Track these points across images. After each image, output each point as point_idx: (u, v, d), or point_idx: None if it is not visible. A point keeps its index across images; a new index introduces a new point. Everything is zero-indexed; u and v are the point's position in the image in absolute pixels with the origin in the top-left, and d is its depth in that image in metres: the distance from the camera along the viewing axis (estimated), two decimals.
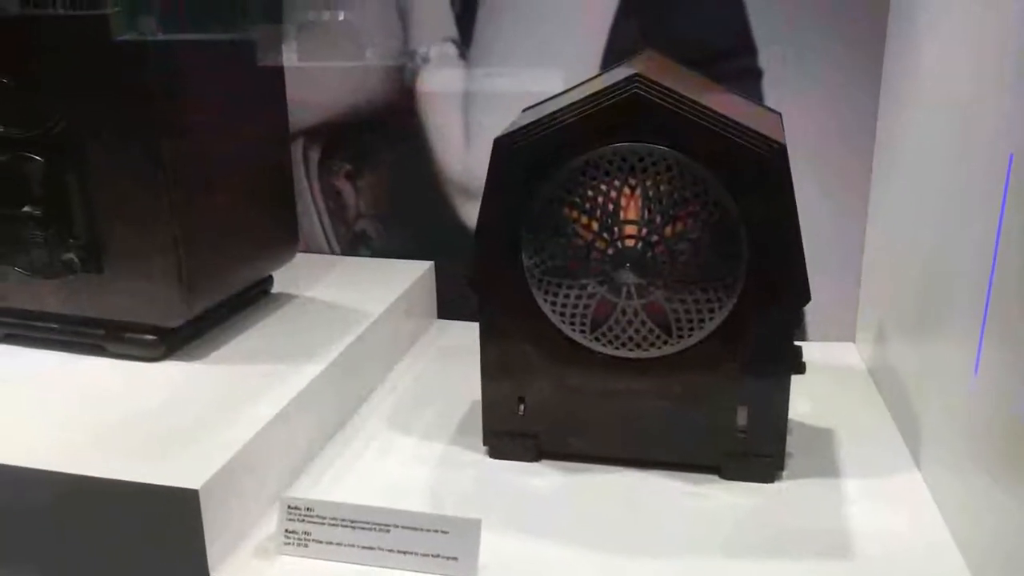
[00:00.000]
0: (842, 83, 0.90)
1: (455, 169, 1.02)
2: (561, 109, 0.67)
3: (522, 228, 0.70)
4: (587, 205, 0.68)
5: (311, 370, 0.78)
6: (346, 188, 1.06)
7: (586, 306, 0.70)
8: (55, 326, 0.82)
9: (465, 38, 0.97)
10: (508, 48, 0.96)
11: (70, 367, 0.80)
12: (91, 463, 0.63)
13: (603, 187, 0.67)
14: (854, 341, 0.98)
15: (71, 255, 0.78)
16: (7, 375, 0.78)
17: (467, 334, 1.01)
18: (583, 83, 0.78)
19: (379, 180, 1.05)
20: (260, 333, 0.86)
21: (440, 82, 0.99)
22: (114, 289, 0.79)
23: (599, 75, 0.78)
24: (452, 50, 0.98)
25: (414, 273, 1.02)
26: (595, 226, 0.68)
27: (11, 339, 0.84)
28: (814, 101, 0.91)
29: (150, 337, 0.80)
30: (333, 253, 1.09)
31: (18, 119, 0.76)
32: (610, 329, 0.70)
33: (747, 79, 0.91)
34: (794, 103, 0.89)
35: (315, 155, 1.05)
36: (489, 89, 0.98)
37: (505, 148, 0.69)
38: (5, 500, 0.64)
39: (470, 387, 0.85)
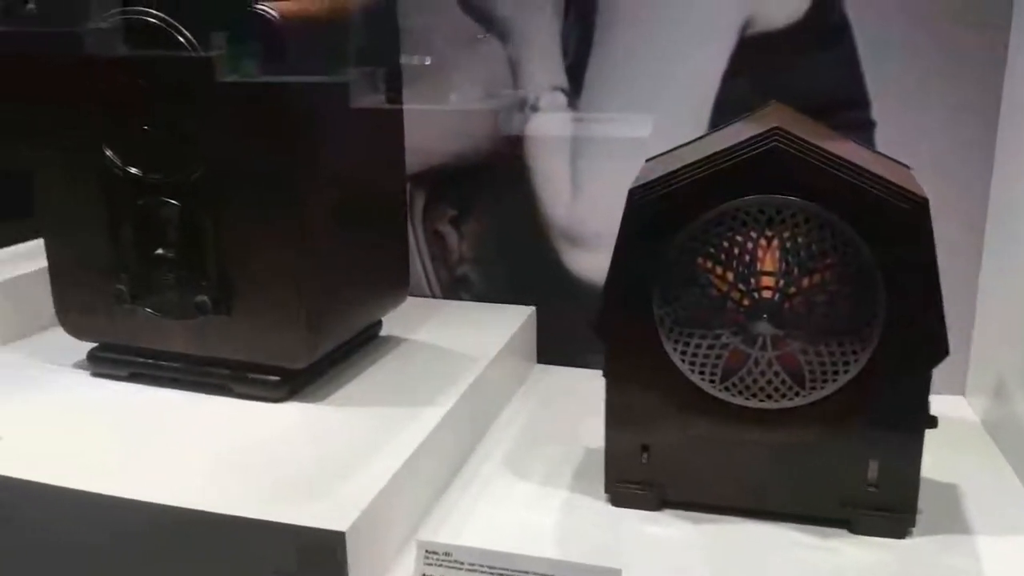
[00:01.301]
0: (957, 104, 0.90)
1: (560, 216, 1.03)
2: (698, 161, 0.68)
3: (654, 278, 0.70)
4: (723, 256, 0.68)
5: (434, 413, 0.78)
6: (449, 233, 1.08)
7: (718, 356, 0.70)
8: (180, 365, 0.84)
9: (575, 87, 0.99)
10: (617, 98, 0.98)
11: (197, 406, 0.81)
12: (233, 502, 0.64)
13: (739, 238, 0.68)
14: (964, 394, 0.97)
15: (203, 297, 0.80)
16: (137, 412, 0.80)
17: (569, 379, 1.03)
18: (711, 133, 0.79)
19: (483, 226, 1.07)
20: (376, 376, 0.88)
21: (548, 130, 1.01)
22: (241, 330, 0.80)
23: (728, 125, 0.79)
24: (561, 99, 0.99)
25: (517, 318, 1.03)
26: (731, 277, 0.68)
27: (136, 377, 0.86)
28: (925, 149, 0.90)
29: (274, 378, 0.81)
30: (434, 296, 1.10)
31: (158, 164, 0.79)
32: (741, 380, 0.70)
33: (860, 131, 0.91)
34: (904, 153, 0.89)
35: (420, 199, 1.07)
36: (598, 137, 0.99)
37: (640, 198, 0.70)
38: (142, 536, 0.65)
39: (582, 432, 0.85)
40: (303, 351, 0.80)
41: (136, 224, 0.81)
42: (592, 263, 1.03)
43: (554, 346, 1.06)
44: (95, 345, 0.88)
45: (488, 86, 1.01)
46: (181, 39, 0.75)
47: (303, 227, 0.77)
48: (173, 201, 0.79)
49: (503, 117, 1.02)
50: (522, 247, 1.05)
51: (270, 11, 0.72)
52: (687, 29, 0.94)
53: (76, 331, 0.87)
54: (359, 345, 0.92)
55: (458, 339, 0.96)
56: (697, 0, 0.94)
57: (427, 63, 1.00)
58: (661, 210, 0.69)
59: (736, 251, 0.68)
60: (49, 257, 0.86)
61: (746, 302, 0.68)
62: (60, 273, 0.86)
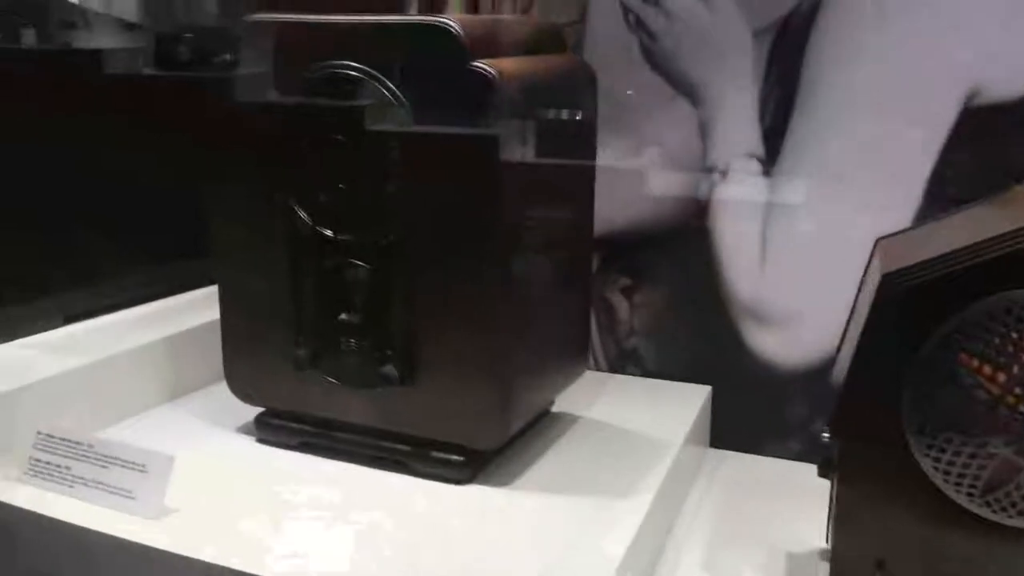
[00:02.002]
0: None
1: (745, 291, 0.96)
2: (970, 246, 0.61)
3: (907, 374, 0.62)
4: (995, 354, 0.60)
5: (635, 510, 0.71)
6: (621, 303, 1.01)
7: (980, 467, 0.62)
8: (356, 438, 0.79)
9: (771, 154, 0.92)
10: (817, 166, 0.91)
11: (372, 482, 0.76)
12: None
13: (1015, 335, 0.60)
14: None
15: (390, 367, 0.75)
16: (306, 485, 0.75)
17: (748, 467, 0.95)
18: (952, 215, 0.71)
19: (658, 297, 1.00)
20: (559, 458, 0.81)
21: (738, 197, 0.94)
22: (426, 404, 0.75)
23: (969, 206, 0.71)
24: (755, 166, 0.93)
25: (695, 398, 0.95)
26: (1003, 378, 0.60)
27: (306, 447, 0.81)
28: None
29: (457, 458, 0.75)
30: (599, 369, 1.04)
31: (351, 224, 0.74)
32: (1007, 495, 0.62)
33: None
34: None
35: (593, 265, 1.01)
36: (793, 208, 0.92)
37: (897, 284, 0.63)
38: None
39: (782, 533, 0.78)
40: (496, 431, 0.74)
41: (321, 287, 0.76)
42: (777, 343, 0.95)
43: (729, 430, 0.98)
44: (262, 409, 0.83)
45: (676, 149, 0.96)
46: (386, 91, 0.71)
47: (504, 294, 0.71)
48: (363, 264, 0.75)
49: (690, 182, 0.95)
50: (700, 321, 0.98)
51: (489, 69, 0.67)
52: (901, 96, 0.87)
53: (245, 395, 0.83)
54: (532, 423, 0.86)
55: (636, 419, 0.89)
56: (913, 67, 0.86)
57: (629, 94, 0.94)
58: (922, 298, 0.62)
59: (1011, 349, 0.60)
60: (223, 315, 0.82)
61: (1022, 408, 0.60)
62: (233, 334, 0.82)
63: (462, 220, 0.71)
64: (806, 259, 0.93)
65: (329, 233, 0.75)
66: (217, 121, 0.78)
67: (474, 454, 0.76)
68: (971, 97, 0.85)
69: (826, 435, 0.68)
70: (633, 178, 0.98)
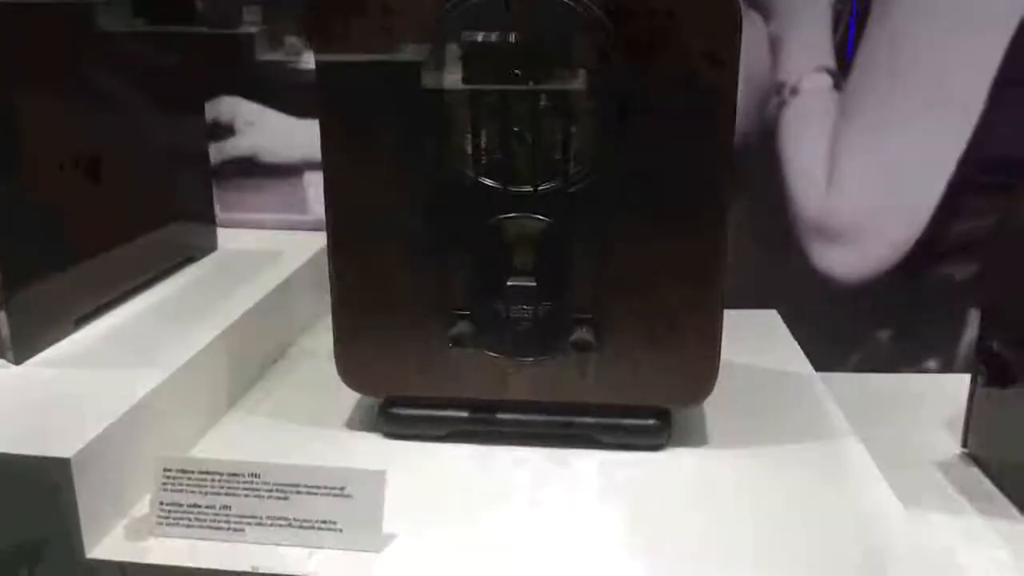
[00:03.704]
0: None
1: (812, 210, 0.94)
2: None
3: None
4: None
5: (849, 443, 0.69)
6: None
7: None
8: (520, 418, 0.69)
9: (843, 68, 0.90)
10: (887, 83, 0.90)
11: (563, 462, 0.67)
12: None
13: None
14: None
15: (583, 332, 0.65)
16: (502, 477, 0.65)
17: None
18: None
19: None
20: (721, 407, 0.75)
21: (807, 116, 0.91)
22: (616, 368, 0.67)
23: None
24: (826, 81, 0.90)
25: (773, 324, 0.93)
26: None
27: (457, 436, 0.70)
28: None
29: (654, 422, 0.68)
30: None
31: (528, 173, 0.63)
32: None
33: None
34: None
35: None
36: (863, 126, 0.91)
37: None
38: None
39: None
40: (703, 387, 0.67)
41: (485, 249, 0.65)
42: (842, 259, 0.95)
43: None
44: (379, 400, 0.71)
45: (745, 66, 0.90)
46: (582, 11, 0.60)
47: (720, 237, 0.64)
48: (542, 218, 0.64)
49: (759, 100, 0.91)
50: (766, 244, 0.96)
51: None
52: (973, 10, 0.87)
53: (368, 384, 0.70)
54: None
55: (744, 353, 0.85)
56: None
57: None
58: None
59: None
60: (339, 294, 0.68)
61: None
62: (353, 314, 0.68)
63: (681, 159, 0.62)
64: (871, 178, 0.92)
65: (496, 185, 0.64)
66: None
67: (664, 417, 0.69)
68: None
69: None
70: None
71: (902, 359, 0.99)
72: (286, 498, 0.57)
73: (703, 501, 0.63)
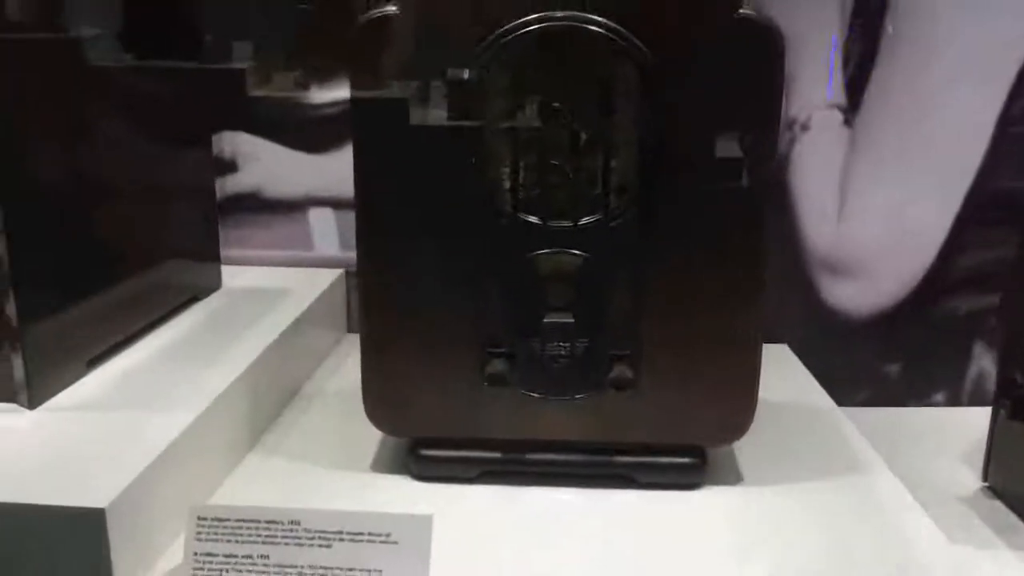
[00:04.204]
0: None
1: (822, 245, 0.94)
2: None
3: None
4: None
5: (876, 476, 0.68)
6: None
7: None
8: (554, 457, 0.67)
9: (853, 104, 0.91)
10: (898, 118, 0.91)
11: (600, 502, 0.65)
12: None
13: None
14: None
15: (622, 369, 0.64)
16: (539, 520, 0.63)
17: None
18: None
19: None
20: (751, 445, 0.75)
21: (818, 151, 0.92)
22: (654, 406, 0.66)
23: None
24: (836, 118, 0.91)
25: (787, 359, 0.93)
26: None
27: (488, 477, 0.68)
28: None
29: (692, 460, 0.67)
30: None
31: (566, 207, 0.62)
32: None
33: None
34: None
35: None
36: (875, 162, 0.92)
37: None
38: None
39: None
40: (740, 424, 0.67)
41: (522, 285, 0.64)
42: (852, 293, 0.96)
43: None
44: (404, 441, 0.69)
45: None
46: (622, 43, 0.59)
47: (761, 266, 0.64)
48: (580, 252, 0.63)
49: None
50: (775, 277, 0.95)
51: (762, 18, 0.59)
52: (978, 52, 0.89)
53: (396, 425, 0.68)
54: None
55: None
56: (988, 25, 0.89)
57: None
58: None
59: None
60: (369, 330, 0.66)
61: None
62: (381, 349, 0.66)
63: (722, 191, 0.62)
64: (883, 212, 0.93)
65: (535, 219, 0.63)
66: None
67: (700, 454, 0.68)
68: None
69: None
70: None
71: (910, 393, 0.99)
72: (329, 546, 0.55)
73: (751, 539, 0.61)
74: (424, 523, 0.55)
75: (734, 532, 0.62)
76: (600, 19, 0.59)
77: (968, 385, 0.99)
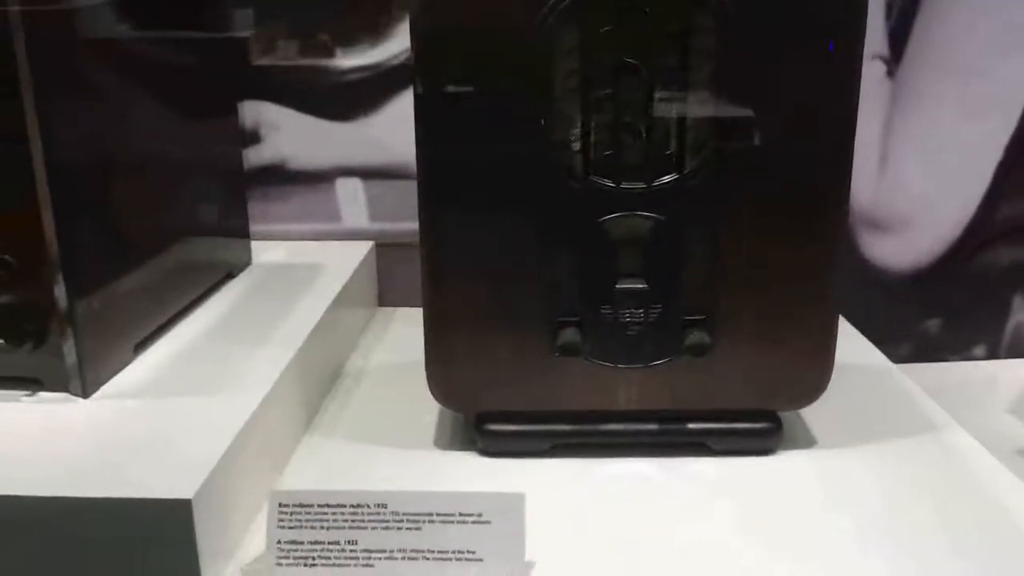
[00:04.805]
0: None
1: (863, 199, 0.93)
2: None
3: None
4: None
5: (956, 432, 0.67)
6: None
7: None
8: (630, 427, 0.66)
9: (896, 54, 0.89)
10: (941, 71, 0.89)
11: (678, 471, 0.64)
12: None
13: None
14: None
15: (699, 334, 0.62)
16: (621, 493, 0.61)
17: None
18: None
19: None
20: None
21: (860, 105, 0.90)
22: (728, 371, 0.64)
23: None
24: (880, 69, 0.89)
25: None
26: None
27: (559, 451, 0.66)
28: None
29: (767, 425, 0.66)
30: None
31: (642, 169, 0.60)
32: None
33: None
34: None
35: None
36: (915, 115, 0.90)
37: None
38: None
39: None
40: (817, 386, 0.65)
41: (593, 251, 0.62)
42: (893, 249, 0.94)
43: None
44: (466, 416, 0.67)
45: None
46: None
47: (842, 229, 0.62)
48: (655, 216, 0.61)
49: None
50: None
51: None
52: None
53: (461, 400, 0.66)
54: None
55: None
56: None
57: None
58: None
59: None
60: (431, 301, 0.63)
61: None
62: (447, 323, 0.64)
63: (803, 147, 0.60)
64: (924, 168, 0.91)
65: (607, 182, 0.60)
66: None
67: (775, 419, 0.66)
68: None
69: None
70: None
71: (950, 348, 0.98)
72: (419, 528, 0.53)
73: (839, 501, 0.60)
74: (517, 501, 0.53)
75: (824, 492, 0.61)
76: None
77: (1007, 338, 0.98)
